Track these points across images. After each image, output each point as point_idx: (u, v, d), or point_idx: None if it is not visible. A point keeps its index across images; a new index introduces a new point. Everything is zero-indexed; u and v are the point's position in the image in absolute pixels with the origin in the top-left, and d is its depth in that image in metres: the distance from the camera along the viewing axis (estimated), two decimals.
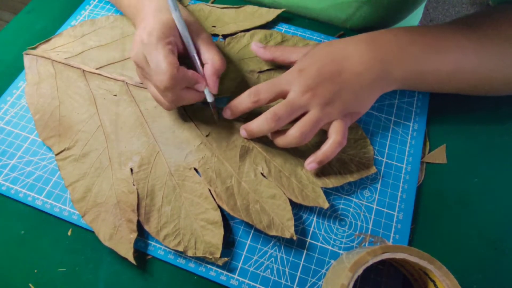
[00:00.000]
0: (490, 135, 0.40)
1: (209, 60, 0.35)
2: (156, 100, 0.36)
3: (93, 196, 0.35)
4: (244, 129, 0.36)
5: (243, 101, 0.35)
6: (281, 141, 0.34)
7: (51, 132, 0.38)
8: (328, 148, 0.33)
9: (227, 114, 0.37)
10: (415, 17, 0.60)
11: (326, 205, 0.34)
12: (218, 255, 0.32)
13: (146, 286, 0.33)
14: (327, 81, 0.34)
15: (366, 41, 0.36)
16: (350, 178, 0.36)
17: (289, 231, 0.33)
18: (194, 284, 0.33)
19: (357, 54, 0.36)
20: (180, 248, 0.33)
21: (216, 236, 0.33)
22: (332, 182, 0.35)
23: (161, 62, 0.31)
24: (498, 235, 0.35)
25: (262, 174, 0.36)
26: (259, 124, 0.34)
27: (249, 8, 0.46)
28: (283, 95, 0.35)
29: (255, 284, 0.32)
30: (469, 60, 0.36)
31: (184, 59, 0.35)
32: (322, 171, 0.36)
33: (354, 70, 0.35)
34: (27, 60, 0.42)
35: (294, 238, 0.32)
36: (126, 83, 0.41)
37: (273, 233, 0.33)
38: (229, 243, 0.34)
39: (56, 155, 0.37)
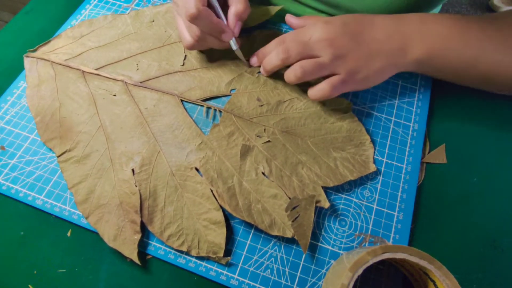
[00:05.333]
0: (490, 135, 0.40)
1: (233, 3, 0.38)
2: (180, 35, 0.39)
3: (96, 197, 0.35)
4: (262, 65, 0.39)
5: (270, 45, 0.39)
6: (286, 74, 0.37)
7: (52, 134, 0.38)
8: (315, 90, 0.36)
9: (253, 61, 0.40)
10: None
11: (326, 204, 0.34)
12: (221, 255, 0.32)
13: (146, 286, 0.33)
14: (347, 36, 0.36)
15: (393, 16, 0.38)
16: (351, 177, 0.36)
17: (290, 231, 0.33)
18: (194, 284, 0.33)
19: (382, 23, 0.37)
20: (184, 248, 0.33)
21: (219, 236, 0.33)
22: (332, 181, 0.35)
23: None
24: (498, 234, 0.35)
25: (263, 173, 0.36)
26: (271, 56, 0.37)
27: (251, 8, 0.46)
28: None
29: (255, 284, 0.32)
30: (494, 48, 0.36)
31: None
32: (323, 170, 0.36)
33: (375, 36, 0.37)
34: (27, 62, 0.42)
35: (296, 237, 0.32)
36: (125, 82, 0.41)
37: (275, 232, 0.33)
38: (229, 243, 0.34)
39: (58, 157, 0.37)
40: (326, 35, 0.36)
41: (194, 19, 0.34)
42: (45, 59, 0.42)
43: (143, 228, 0.34)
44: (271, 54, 0.37)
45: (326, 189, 0.36)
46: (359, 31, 0.37)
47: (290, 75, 0.36)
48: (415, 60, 0.37)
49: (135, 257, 0.32)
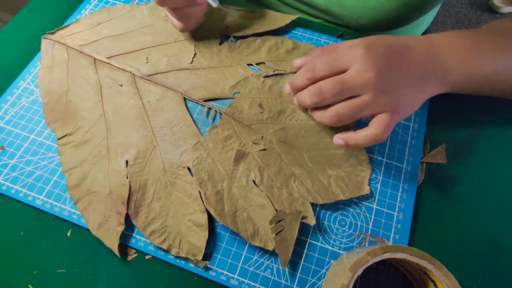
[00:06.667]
0: (490, 135, 0.40)
1: None
2: (171, 19, 0.41)
3: (88, 184, 0.35)
4: (296, 100, 0.35)
5: (299, 75, 0.34)
6: (316, 115, 0.34)
7: (56, 116, 0.39)
8: (362, 137, 0.32)
9: (287, 88, 0.37)
10: (426, 20, 0.58)
11: (312, 222, 0.33)
12: (200, 258, 0.32)
13: (146, 286, 0.33)
14: (395, 65, 0.32)
15: (423, 38, 0.35)
16: (342, 197, 0.35)
17: (272, 243, 0.32)
18: (194, 284, 0.33)
19: (419, 46, 0.34)
20: (164, 246, 0.33)
21: (200, 239, 0.33)
22: (322, 198, 0.34)
23: None
24: (498, 234, 0.35)
25: (253, 181, 0.35)
26: (304, 96, 0.33)
27: (265, 13, 0.45)
28: (341, 73, 0.32)
29: (255, 284, 0.32)
30: (508, 63, 0.35)
31: None
32: (315, 186, 0.35)
33: (414, 60, 0.33)
34: (44, 44, 0.43)
35: (277, 251, 0.32)
36: (133, 74, 0.41)
37: (256, 243, 0.32)
38: (229, 243, 0.34)
39: (58, 139, 0.37)
40: (371, 64, 0.31)
41: None
42: (61, 43, 0.43)
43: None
44: (304, 93, 0.33)
45: None
46: (399, 58, 0.32)
47: (324, 121, 0.33)
48: (449, 83, 0.35)
49: (115, 249, 0.32)
